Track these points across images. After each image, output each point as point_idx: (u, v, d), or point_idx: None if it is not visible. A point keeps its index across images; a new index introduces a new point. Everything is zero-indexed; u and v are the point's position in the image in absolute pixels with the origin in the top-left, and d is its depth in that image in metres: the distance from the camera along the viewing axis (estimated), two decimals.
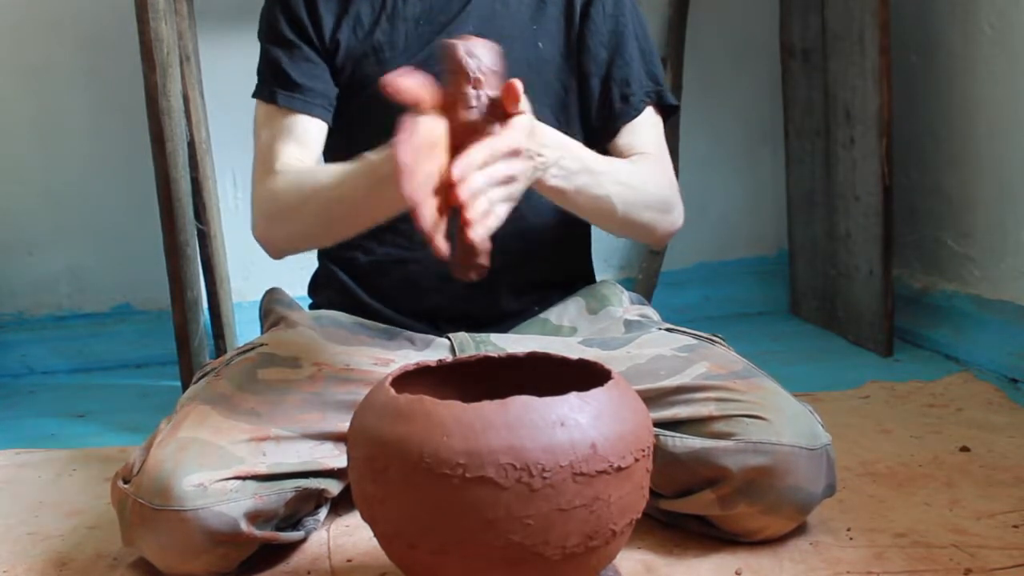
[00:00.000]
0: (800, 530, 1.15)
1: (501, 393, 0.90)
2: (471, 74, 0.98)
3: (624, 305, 1.37)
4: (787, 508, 1.10)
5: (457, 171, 0.92)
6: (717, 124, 2.36)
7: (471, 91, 0.98)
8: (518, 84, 0.97)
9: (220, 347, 2.04)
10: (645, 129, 1.34)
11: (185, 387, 1.60)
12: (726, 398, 1.13)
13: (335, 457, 1.16)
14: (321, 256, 1.42)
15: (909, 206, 2.09)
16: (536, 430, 0.86)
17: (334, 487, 1.19)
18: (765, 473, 1.08)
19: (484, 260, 0.96)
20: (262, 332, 1.39)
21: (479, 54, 0.98)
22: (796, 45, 2.23)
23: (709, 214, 2.38)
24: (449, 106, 0.98)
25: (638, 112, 1.34)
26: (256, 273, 2.22)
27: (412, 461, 0.87)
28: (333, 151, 1.33)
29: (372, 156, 1.11)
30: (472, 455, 0.85)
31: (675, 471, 1.12)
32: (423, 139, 0.94)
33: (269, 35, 1.34)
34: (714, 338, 1.29)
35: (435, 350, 1.29)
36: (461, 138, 0.97)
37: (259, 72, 1.35)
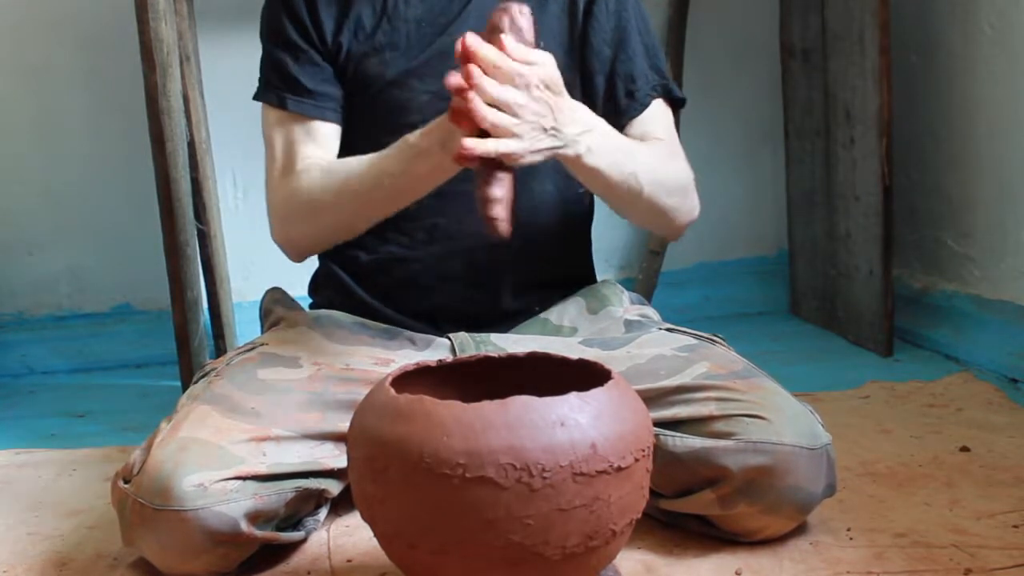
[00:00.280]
0: (800, 530, 1.15)
1: (501, 393, 0.90)
2: (500, 29, 1.03)
3: (624, 305, 1.37)
4: (787, 508, 1.10)
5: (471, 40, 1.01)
6: (717, 124, 2.36)
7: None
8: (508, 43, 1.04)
9: (220, 347, 2.04)
10: (655, 121, 1.34)
11: (185, 387, 1.60)
12: (726, 398, 1.13)
13: (335, 457, 1.16)
14: (321, 256, 1.42)
15: (909, 206, 2.09)
16: (536, 430, 0.86)
17: (334, 487, 1.19)
18: (765, 473, 1.08)
19: (497, 211, 1.01)
20: (262, 332, 1.40)
21: (513, 14, 1.05)
22: (796, 45, 2.23)
23: (709, 214, 2.34)
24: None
25: (644, 107, 1.34)
26: (256, 273, 2.22)
27: (412, 461, 0.87)
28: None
29: (410, 137, 1.15)
30: (472, 455, 0.85)
31: (675, 471, 1.12)
32: None
33: (272, 37, 1.34)
34: (714, 338, 1.30)
35: (435, 350, 1.29)
36: None
37: (262, 74, 1.35)
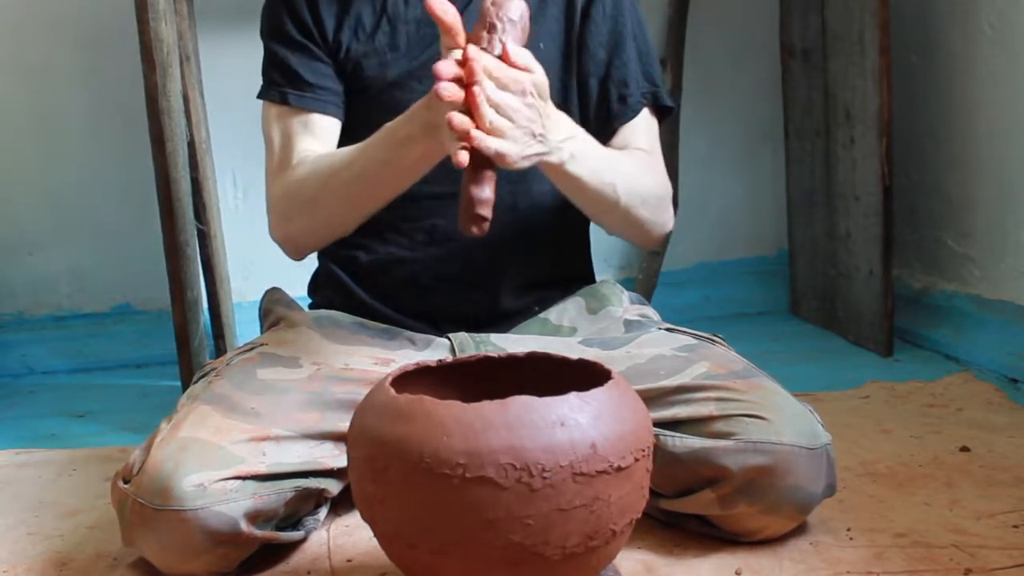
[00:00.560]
0: (800, 530, 1.15)
1: (501, 393, 0.90)
2: (488, 19, 1.04)
3: (624, 305, 1.37)
4: (787, 508, 1.10)
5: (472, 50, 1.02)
6: (717, 124, 2.36)
7: (484, 34, 1.04)
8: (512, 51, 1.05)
9: (220, 347, 2.04)
10: (640, 130, 1.35)
11: (185, 387, 1.60)
12: (726, 398, 1.13)
13: (335, 457, 1.16)
14: (321, 256, 1.42)
15: (909, 206, 2.09)
16: (536, 430, 0.86)
17: (334, 487, 1.19)
18: (765, 473, 1.08)
19: (484, 211, 1.00)
20: (262, 332, 1.40)
21: (503, 3, 1.05)
22: (796, 45, 2.23)
23: (709, 214, 2.38)
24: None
25: (635, 113, 1.34)
26: (256, 273, 2.22)
27: (412, 461, 0.87)
28: None
29: (389, 124, 1.15)
30: (472, 455, 0.85)
31: (675, 471, 1.12)
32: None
33: (273, 35, 1.34)
34: (714, 338, 1.30)
35: (435, 350, 1.30)
36: None
37: (264, 73, 1.35)
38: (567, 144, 1.11)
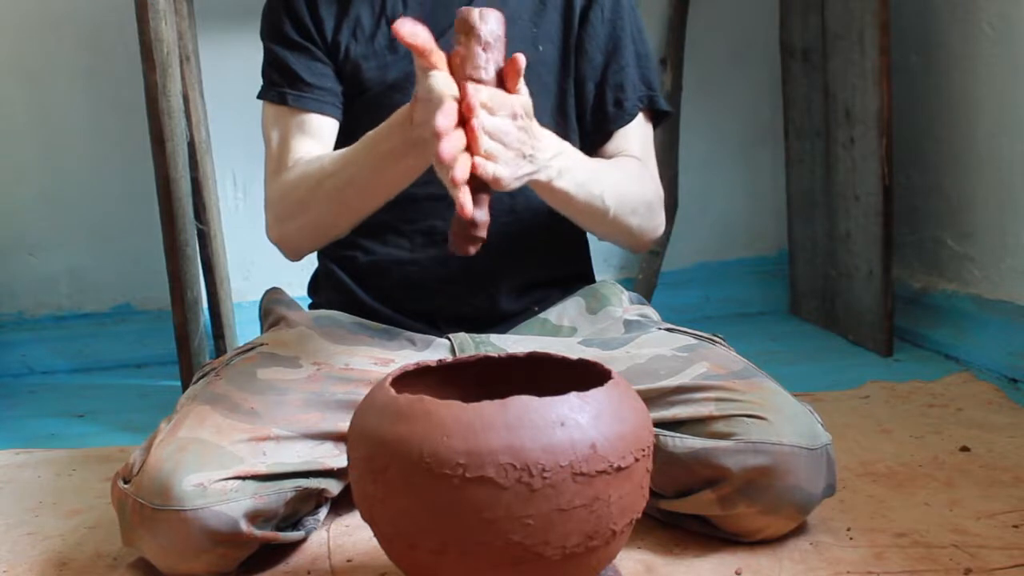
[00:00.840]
0: (800, 530, 1.15)
1: (501, 393, 0.90)
2: (482, 37, 1.02)
3: (624, 305, 1.37)
4: (787, 508, 1.10)
5: (471, 89, 1.00)
6: (717, 124, 2.36)
7: (481, 52, 1.03)
8: (521, 59, 1.03)
9: (220, 347, 2.04)
10: (635, 135, 1.35)
11: (185, 387, 1.60)
12: (726, 398, 1.13)
13: (335, 457, 1.16)
14: (321, 256, 1.42)
15: (909, 206, 2.09)
16: (536, 430, 0.86)
17: (334, 487, 1.19)
18: (765, 473, 1.08)
19: (482, 233, 1.00)
20: (262, 332, 1.40)
21: (490, 20, 1.03)
22: (796, 45, 2.23)
23: (709, 214, 2.38)
24: (456, 67, 1.04)
25: (631, 117, 1.34)
26: (256, 273, 2.22)
27: (412, 461, 0.87)
28: None
29: (371, 135, 1.14)
30: (472, 455, 0.85)
31: (675, 471, 1.12)
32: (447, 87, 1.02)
33: (273, 36, 1.34)
34: (714, 338, 1.30)
35: (435, 350, 1.30)
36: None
37: (264, 74, 1.35)
38: (555, 161, 1.12)
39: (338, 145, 1.32)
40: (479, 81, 1.03)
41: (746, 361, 1.22)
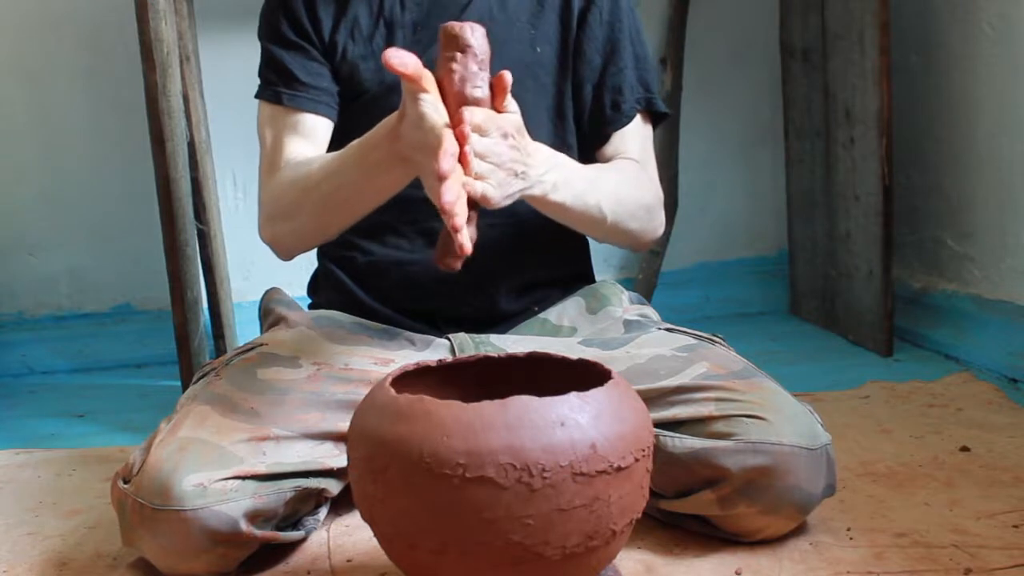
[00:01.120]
0: (800, 530, 1.15)
1: (501, 393, 0.90)
2: (477, 53, 1.02)
3: (624, 305, 1.37)
4: (787, 508, 1.10)
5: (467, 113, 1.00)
6: (717, 124, 2.36)
7: (477, 70, 1.02)
8: (508, 76, 1.03)
9: (220, 347, 2.04)
10: (633, 136, 1.35)
11: (185, 387, 1.60)
12: (726, 398, 1.13)
13: (335, 457, 1.16)
14: (321, 256, 1.42)
15: (909, 206, 2.09)
16: (536, 430, 0.86)
17: (334, 487, 1.19)
18: (765, 473, 1.08)
19: (469, 249, 1.00)
20: (262, 332, 1.40)
21: (479, 34, 1.02)
22: (796, 45, 2.23)
23: (709, 214, 2.38)
24: (447, 85, 1.03)
25: (629, 120, 1.34)
26: (256, 273, 2.22)
27: (412, 461, 0.87)
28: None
29: (358, 144, 1.14)
30: (472, 455, 0.85)
31: (675, 471, 1.12)
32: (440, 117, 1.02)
33: (270, 36, 1.34)
34: (714, 338, 1.30)
35: (435, 350, 1.30)
36: (453, 115, 1.02)
37: (261, 73, 1.35)
38: (548, 176, 1.12)
39: (334, 145, 1.32)
40: (477, 100, 1.03)
41: (746, 361, 1.22)
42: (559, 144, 1.33)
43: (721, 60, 2.34)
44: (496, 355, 1.08)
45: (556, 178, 1.13)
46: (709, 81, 2.33)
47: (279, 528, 1.14)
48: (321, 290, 1.42)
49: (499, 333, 1.33)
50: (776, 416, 1.10)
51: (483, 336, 1.31)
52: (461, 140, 1.00)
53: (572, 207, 1.17)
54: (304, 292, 1.46)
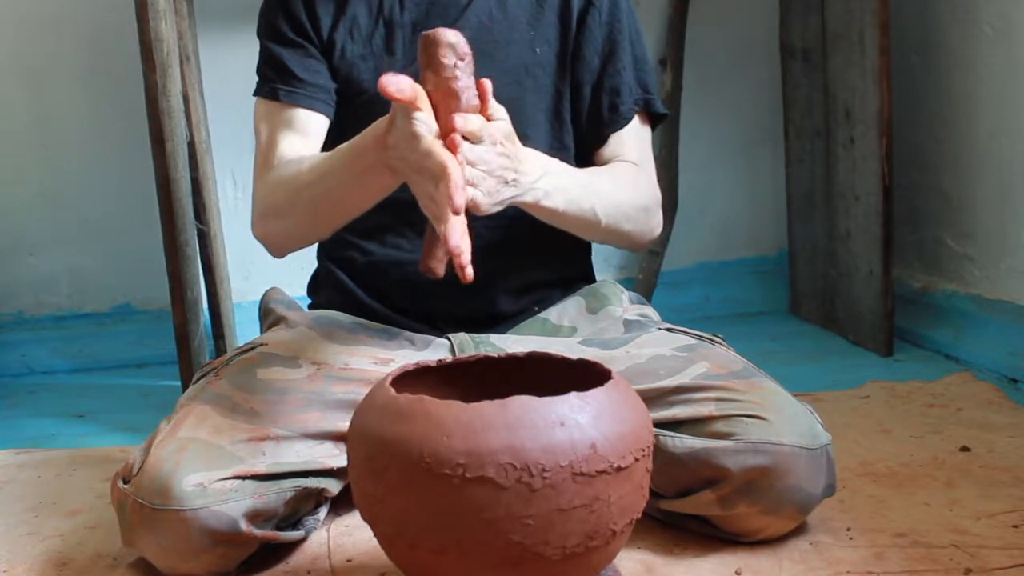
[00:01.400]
0: (800, 530, 1.15)
1: (501, 393, 0.90)
2: (468, 61, 1.01)
3: (624, 305, 1.37)
4: (787, 508, 1.10)
5: (459, 121, 1.00)
6: (717, 124, 2.36)
7: (470, 80, 1.02)
8: (487, 83, 1.04)
9: (220, 347, 2.04)
10: (631, 138, 1.35)
11: (185, 387, 1.60)
12: (726, 398, 1.13)
13: (335, 456, 1.16)
14: (320, 256, 1.42)
15: (909, 206, 2.09)
16: (536, 430, 0.86)
17: (334, 487, 1.19)
18: (765, 473, 1.08)
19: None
20: (262, 332, 1.40)
21: (463, 42, 1.02)
22: (796, 45, 2.23)
23: (709, 214, 2.38)
24: (439, 99, 1.02)
25: (627, 121, 1.34)
26: (256, 273, 2.22)
27: (412, 461, 0.87)
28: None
29: (346, 150, 1.14)
30: (472, 455, 0.85)
31: (675, 471, 1.12)
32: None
33: (268, 34, 1.35)
34: (714, 338, 1.30)
35: (435, 350, 1.29)
36: (444, 126, 1.02)
37: (259, 71, 1.35)
38: (540, 182, 1.13)
39: (330, 143, 1.32)
40: (473, 110, 1.03)
41: (746, 361, 1.22)
42: (557, 145, 1.33)
43: (721, 60, 2.34)
44: (496, 355, 1.08)
45: (548, 184, 1.14)
46: (709, 81, 2.33)
47: (279, 528, 1.14)
48: (321, 290, 1.42)
49: (499, 333, 1.33)
50: (776, 416, 1.10)
51: (483, 336, 1.31)
52: (452, 148, 1.00)
53: (565, 212, 1.18)
54: (304, 292, 1.46)
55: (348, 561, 1.14)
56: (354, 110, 1.33)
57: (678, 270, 2.37)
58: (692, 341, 1.26)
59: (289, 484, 1.12)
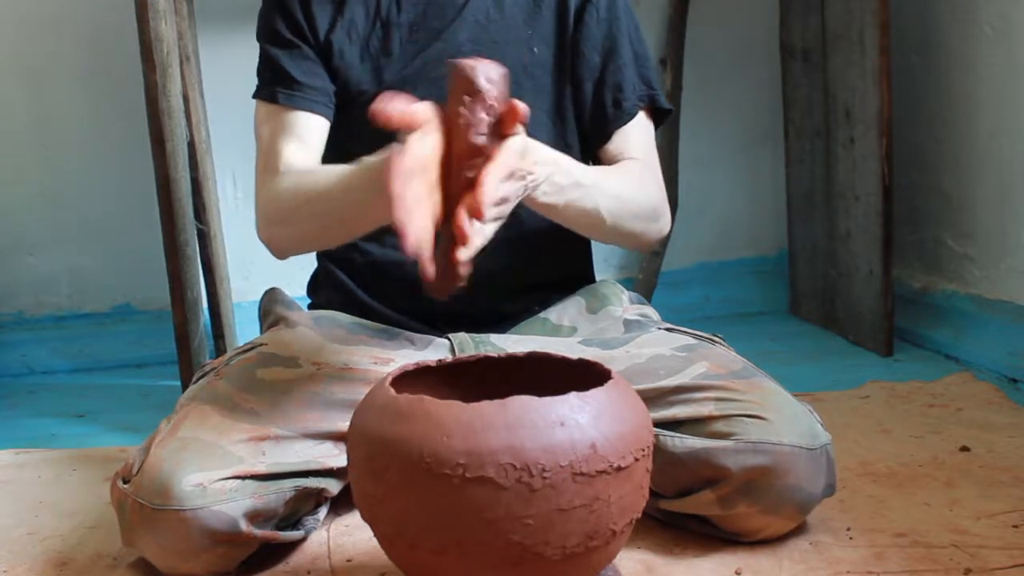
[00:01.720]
0: (800, 530, 1.15)
1: (501, 393, 0.90)
2: (488, 101, 0.96)
3: (624, 305, 1.37)
4: (787, 508, 1.10)
5: (478, 206, 0.94)
6: (717, 124, 2.36)
7: (485, 117, 0.96)
8: (521, 108, 0.97)
9: (220, 347, 2.04)
10: (636, 134, 1.34)
11: (185, 387, 1.59)
12: (725, 398, 1.13)
13: (335, 456, 1.16)
14: (321, 256, 1.42)
15: (909, 206, 2.09)
16: (536, 430, 0.86)
17: (334, 487, 1.19)
18: (765, 473, 1.08)
19: (463, 281, 0.97)
20: (262, 332, 1.40)
21: (494, 79, 0.96)
22: (796, 45, 2.23)
23: (709, 214, 2.38)
24: (454, 126, 0.97)
25: (631, 117, 1.34)
26: (256, 273, 2.22)
27: (412, 461, 0.87)
28: (329, 156, 1.33)
29: (368, 164, 1.10)
30: (472, 455, 0.85)
31: (675, 471, 1.12)
32: (413, 162, 0.93)
33: (267, 36, 1.34)
34: (714, 338, 1.30)
35: (435, 350, 1.29)
36: (457, 155, 0.97)
37: (259, 73, 1.35)
38: (546, 181, 1.09)
39: (330, 144, 1.32)
40: (479, 149, 0.96)
41: (746, 361, 1.22)
42: (559, 145, 1.32)
43: (721, 60, 2.34)
44: (496, 355, 1.08)
45: (553, 183, 1.12)
46: (709, 81, 2.33)
47: (279, 528, 1.14)
48: (321, 290, 1.42)
49: (499, 333, 1.33)
50: (776, 416, 1.10)
51: (483, 336, 1.31)
52: (463, 240, 0.95)
53: (568, 209, 1.16)
54: (304, 292, 1.46)
55: (348, 561, 1.14)
56: (353, 111, 1.33)
57: (678, 270, 2.37)
58: (692, 341, 1.26)
59: (289, 484, 1.12)
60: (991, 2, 1.80)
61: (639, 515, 0.94)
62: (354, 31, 1.32)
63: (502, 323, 1.35)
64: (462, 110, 0.96)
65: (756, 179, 2.41)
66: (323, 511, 1.21)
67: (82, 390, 2.10)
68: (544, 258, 1.36)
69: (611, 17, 1.34)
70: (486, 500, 0.85)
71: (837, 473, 1.15)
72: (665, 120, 1.41)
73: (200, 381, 1.25)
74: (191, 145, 1.95)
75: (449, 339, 1.31)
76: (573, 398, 0.89)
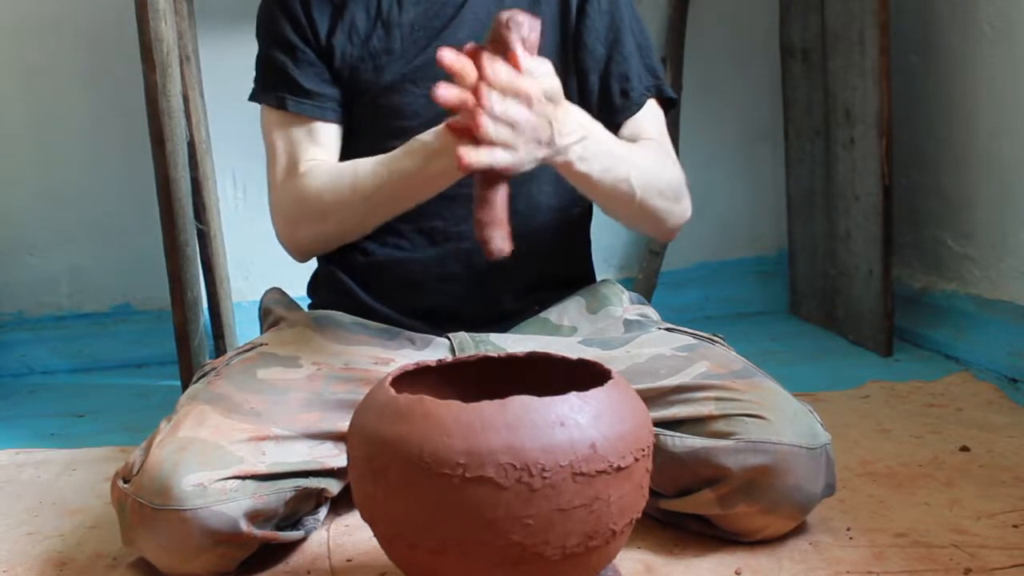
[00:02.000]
0: (800, 530, 1.15)
1: (501, 393, 0.90)
2: (524, 29, 1.01)
3: (624, 305, 1.37)
4: (787, 508, 1.10)
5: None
6: (717, 124, 2.36)
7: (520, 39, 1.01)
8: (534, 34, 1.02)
9: (220, 347, 2.04)
10: (648, 121, 1.34)
11: (185, 387, 1.59)
12: (726, 397, 1.13)
13: (335, 456, 1.16)
14: (320, 256, 1.42)
15: (909, 206, 2.09)
16: (536, 430, 0.86)
17: (334, 487, 1.19)
18: (765, 472, 1.08)
19: (503, 239, 1.03)
20: (262, 332, 1.40)
21: (525, 25, 1.01)
22: (796, 45, 2.23)
23: (709, 214, 2.38)
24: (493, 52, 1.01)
25: (639, 106, 1.34)
26: (256, 273, 2.22)
27: (412, 461, 0.87)
28: None
29: (423, 137, 1.16)
30: (472, 455, 0.85)
31: (675, 471, 1.12)
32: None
33: (269, 37, 1.34)
34: (714, 338, 1.29)
35: (435, 350, 1.29)
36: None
37: (259, 75, 1.35)
38: (578, 145, 1.10)
39: (342, 151, 1.32)
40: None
41: (746, 361, 1.22)
42: None
43: (721, 60, 2.34)
44: (496, 355, 1.08)
45: (585, 150, 1.11)
46: (709, 81, 2.33)
47: (279, 528, 1.14)
48: (321, 290, 1.42)
49: (499, 332, 1.33)
50: (776, 415, 1.10)
51: (483, 335, 1.31)
52: (478, 98, 0.98)
53: (600, 180, 1.15)
54: (304, 292, 1.46)
55: (348, 561, 1.14)
56: (357, 111, 1.33)
57: (678, 270, 2.37)
58: (692, 341, 1.26)
59: (289, 484, 1.12)
60: (991, 2, 1.80)
61: (639, 515, 0.95)
62: (355, 32, 1.32)
63: (502, 323, 1.35)
64: (502, 29, 1.00)
65: (756, 179, 2.41)
66: (323, 511, 1.21)
67: (82, 390, 2.10)
68: (545, 258, 1.36)
69: (613, 8, 1.34)
70: (486, 500, 0.85)
71: (837, 473, 1.15)
72: (671, 110, 1.40)
73: (200, 381, 1.25)
74: (191, 145, 1.95)
75: (449, 339, 1.31)
76: (573, 398, 0.89)
